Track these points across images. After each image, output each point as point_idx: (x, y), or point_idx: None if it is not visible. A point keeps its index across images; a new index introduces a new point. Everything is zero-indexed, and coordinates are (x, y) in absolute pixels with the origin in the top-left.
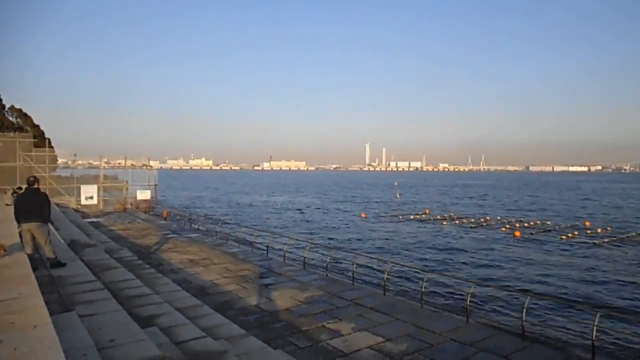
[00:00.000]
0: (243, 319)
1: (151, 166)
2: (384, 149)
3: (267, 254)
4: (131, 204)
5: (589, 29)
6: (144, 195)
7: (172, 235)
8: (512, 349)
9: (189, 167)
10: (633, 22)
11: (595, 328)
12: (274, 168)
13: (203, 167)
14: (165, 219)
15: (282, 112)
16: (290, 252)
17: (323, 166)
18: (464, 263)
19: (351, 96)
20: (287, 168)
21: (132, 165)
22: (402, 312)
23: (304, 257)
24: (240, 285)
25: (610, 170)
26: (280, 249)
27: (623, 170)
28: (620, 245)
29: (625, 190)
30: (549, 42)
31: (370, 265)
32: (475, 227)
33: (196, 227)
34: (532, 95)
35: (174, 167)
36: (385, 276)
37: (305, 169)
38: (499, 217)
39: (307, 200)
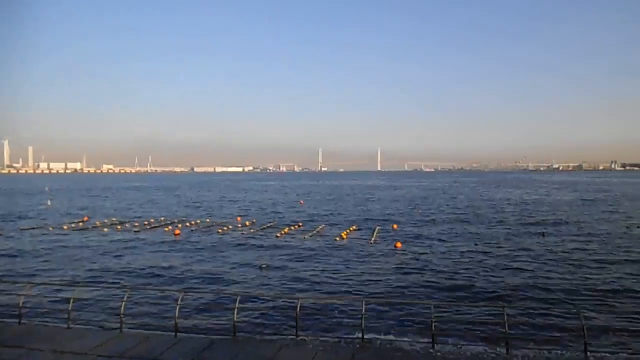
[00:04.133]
0: None
1: None
2: (30, 147)
3: None
4: None
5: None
6: None
7: None
8: (165, 347)
9: None
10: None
11: (236, 310)
12: None
13: None
14: None
15: None
16: None
17: None
18: (122, 270)
19: None
20: None
21: None
22: (41, 340)
23: None
24: None
25: (259, 170)
26: None
27: (268, 170)
28: (264, 235)
29: (266, 187)
30: (225, 49)
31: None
32: (138, 230)
33: None
34: (195, 99)
35: None
36: (22, 301)
37: None
38: (162, 218)
39: None
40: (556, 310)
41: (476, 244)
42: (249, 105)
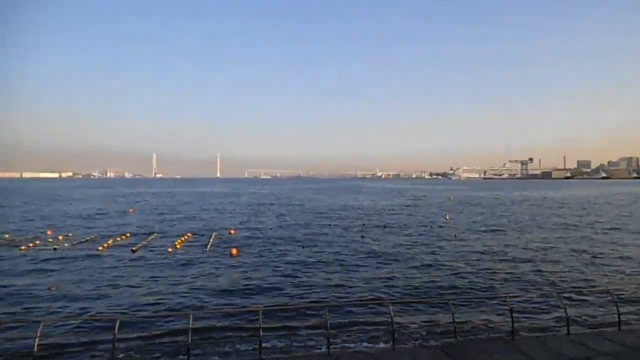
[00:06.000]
0: None
1: None
2: None
3: None
4: None
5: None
6: None
7: None
8: None
9: None
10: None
11: (37, 337)
12: None
13: None
14: None
15: None
16: None
17: None
18: None
19: None
20: None
21: None
22: None
23: None
24: None
25: (80, 176)
26: None
27: (92, 177)
28: (82, 250)
29: (87, 195)
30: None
31: None
32: None
33: None
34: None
35: None
36: None
37: None
38: None
39: None
40: (369, 308)
41: (303, 247)
42: (68, 101)
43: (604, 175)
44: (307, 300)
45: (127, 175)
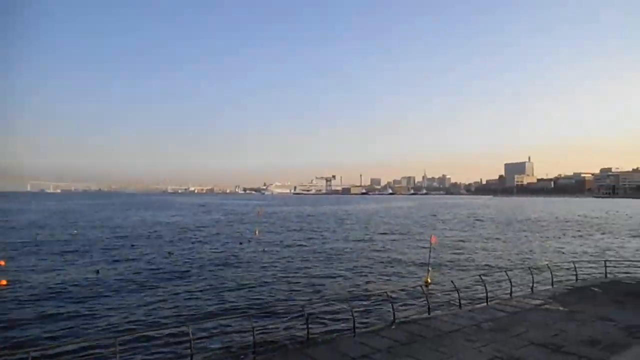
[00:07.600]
0: None
1: None
2: None
3: None
4: None
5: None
6: None
7: None
8: None
9: None
10: None
11: None
12: None
13: None
14: None
15: None
16: None
17: None
18: None
19: None
20: None
21: None
22: None
23: None
24: None
25: None
26: None
27: None
28: None
29: None
30: None
31: None
32: None
33: None
34: None
35: None
36: None
37: None
38: None
39: None
40: (168, 330)
41: (98, 272)
42: None
43: (390, 191)
44: (94, 330)
45: None
